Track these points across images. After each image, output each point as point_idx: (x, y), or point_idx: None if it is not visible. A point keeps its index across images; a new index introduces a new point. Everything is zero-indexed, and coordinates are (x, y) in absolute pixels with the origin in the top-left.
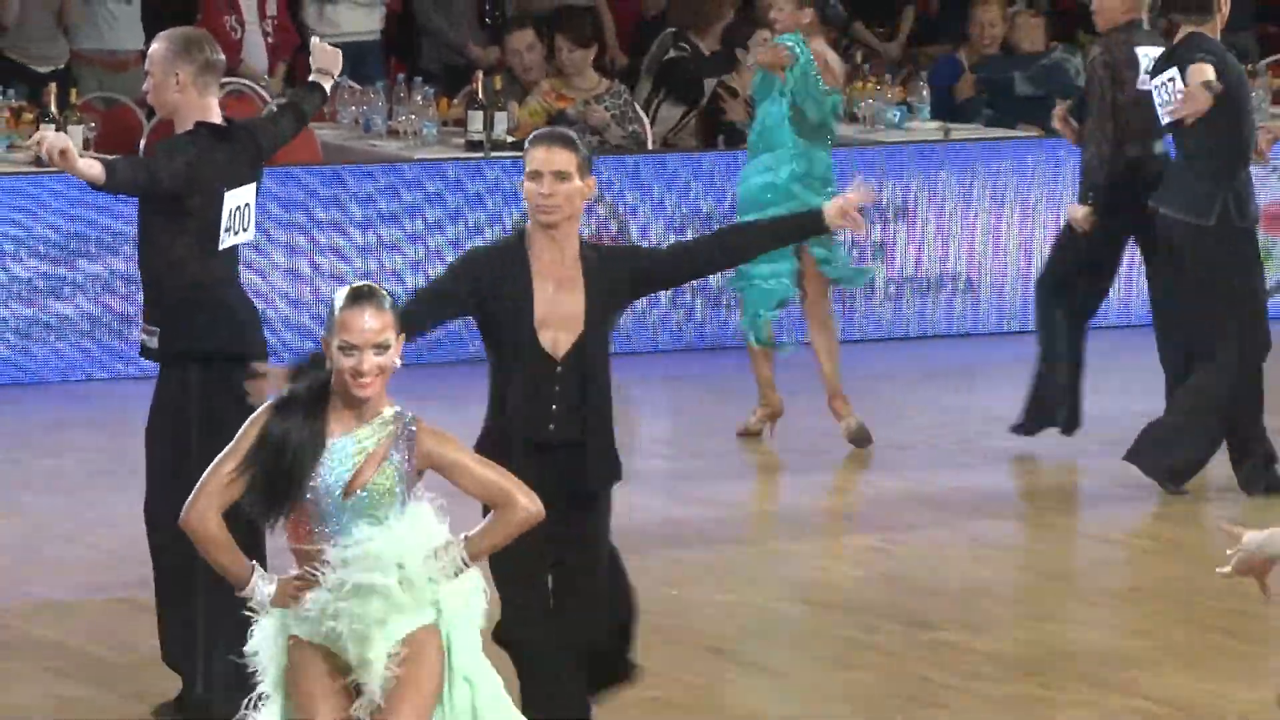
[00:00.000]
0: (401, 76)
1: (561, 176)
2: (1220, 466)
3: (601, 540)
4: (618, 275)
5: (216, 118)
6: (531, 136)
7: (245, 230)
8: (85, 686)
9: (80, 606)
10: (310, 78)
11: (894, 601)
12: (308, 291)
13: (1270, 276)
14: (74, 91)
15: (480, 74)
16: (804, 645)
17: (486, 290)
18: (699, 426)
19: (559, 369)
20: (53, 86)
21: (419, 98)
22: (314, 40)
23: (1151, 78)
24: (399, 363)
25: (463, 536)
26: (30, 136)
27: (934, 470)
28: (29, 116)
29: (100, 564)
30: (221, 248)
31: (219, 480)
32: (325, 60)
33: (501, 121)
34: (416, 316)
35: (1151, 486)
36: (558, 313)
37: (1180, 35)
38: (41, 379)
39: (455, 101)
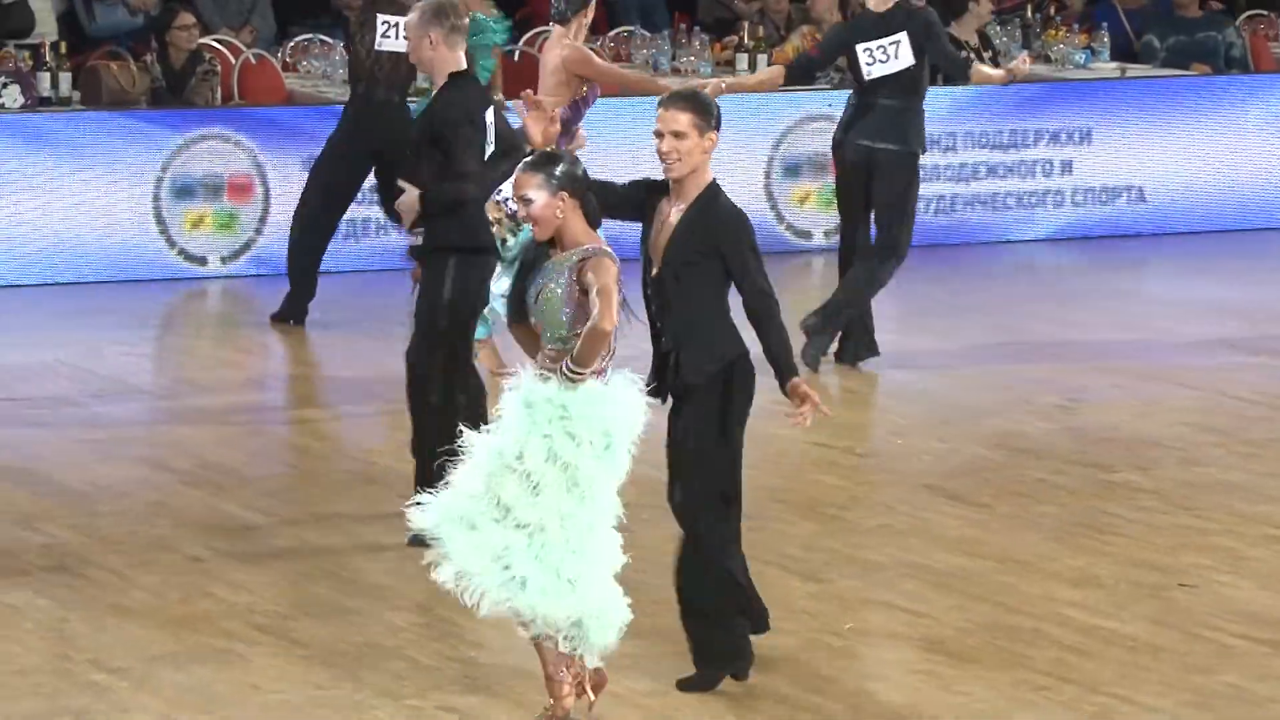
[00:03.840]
0: (683, 26)
1: (678, 135)
2: None
3: (691, 429)
4: (702, 234)
5: (463, 65)
6: (660, 98)
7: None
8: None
9: (359, 417)
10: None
11: (1075, 449)
12: None
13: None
14: None
15: (745, 24)
16: (1002, 484)
17: (646, 207)
18: (922, 307)
19: (651, 289)
20: None
21: (697, 43)
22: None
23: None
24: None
25: (566, 362)
26: None
27: (1109, 343)
28: None
29: (372, 390)
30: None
31: None
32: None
33: (762, 63)
34: (603, 191)
35: None
36: (658, 243)
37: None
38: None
39: (724, 46)
